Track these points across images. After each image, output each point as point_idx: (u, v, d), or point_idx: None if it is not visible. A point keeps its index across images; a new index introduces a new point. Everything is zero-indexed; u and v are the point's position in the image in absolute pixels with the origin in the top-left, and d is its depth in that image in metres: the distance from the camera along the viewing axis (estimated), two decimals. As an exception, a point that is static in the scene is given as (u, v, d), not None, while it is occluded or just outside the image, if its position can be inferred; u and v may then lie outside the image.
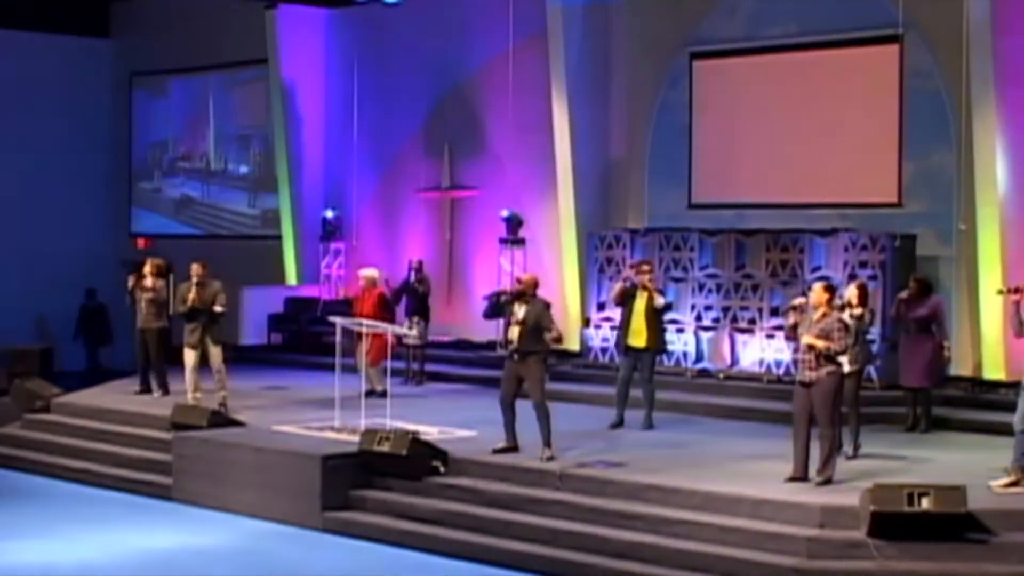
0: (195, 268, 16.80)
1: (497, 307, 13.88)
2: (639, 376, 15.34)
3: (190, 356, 16.69)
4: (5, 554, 12.61)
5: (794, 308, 12.51)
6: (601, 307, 19.04)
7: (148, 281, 17.77)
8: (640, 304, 15.24)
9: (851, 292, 13.89)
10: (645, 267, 15.78)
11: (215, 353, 16.71)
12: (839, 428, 12.50)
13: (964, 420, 15.57)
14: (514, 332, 13.56)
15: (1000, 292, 13.21)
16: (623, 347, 15.53)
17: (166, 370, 18.04)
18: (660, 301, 15.33)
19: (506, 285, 15.08)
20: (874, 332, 15.45)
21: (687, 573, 11.28)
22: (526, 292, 13.70)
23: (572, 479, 12.81)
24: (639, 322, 15.25)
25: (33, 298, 26.47)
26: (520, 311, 13.57)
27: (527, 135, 21.27)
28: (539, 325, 13.49)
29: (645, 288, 15.32)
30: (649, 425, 15.32)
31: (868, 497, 11.08)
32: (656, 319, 15.32)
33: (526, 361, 13.50)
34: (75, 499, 15.27)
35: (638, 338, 15.27)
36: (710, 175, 19.97)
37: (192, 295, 16.62)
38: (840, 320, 12.38)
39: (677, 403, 16.92)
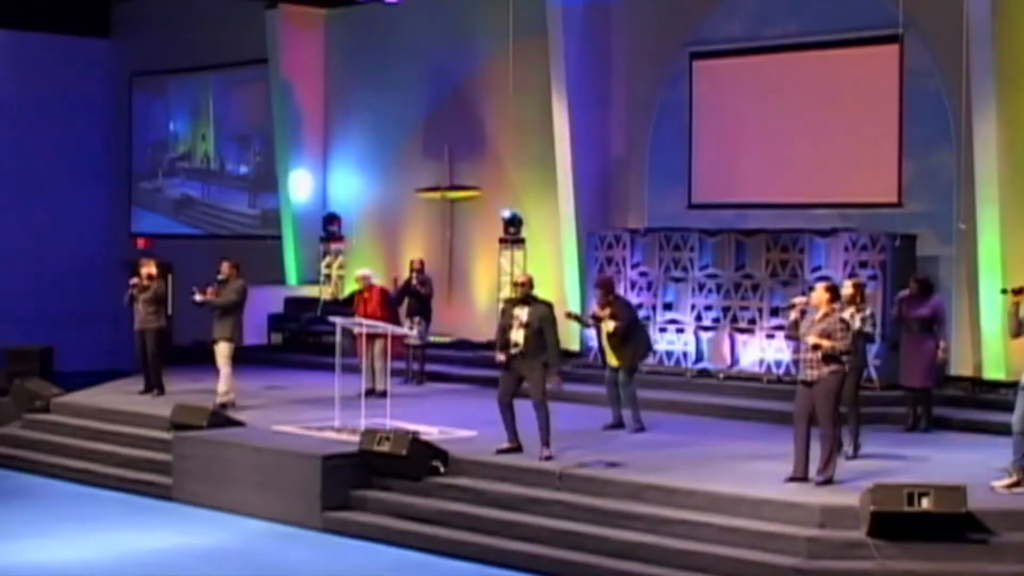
0: (224, 267, 16.99)
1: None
2: (620, 380, 15.28)
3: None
4: (5, 554, 12.60)
5: (794, 306, 12.53)
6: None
7: (145, 281, 17.79)
8: (607, 330, 15.14)
9: (847, 289, 13.87)
10: (598, 292, 15.51)
11: (218, 351, 16.75)
12: (839, 428, 12.50)
13: (964, 420, 15.57)
14: (519, 335, 13.47)
15: (1004, 292, 13.19)
16: (604, 362, 15.58)
17: (162, 370, 18.04)
18: (610, 326, 15.03)
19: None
20: (874, 333, 15.45)
21: (687, 573, 11.28)
22: (529, 294, 13.68)
23: (572, 479, 12.80)
24: (606, 344, 15.20)
25: (33, 298, 26.48)
26: (523, 313, 13.53)
27: (527, 135, 21.27)
28: (543, 329, 13.47)
29: (602, 310, 15.19)
30: (638, 428, 15.19)
31: (868, 497, 11.08)
32: (626, 338, 15.07)
33: (530, 362, 13.49)
34: (75, 499, 15.26)
35: (611, 358, 15.26)
36: (710, 175, 19.98)
37: (210, 292, 16.78)
38: (842, 320, 12.40)
39: (677, 403, 16.93)
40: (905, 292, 15.33)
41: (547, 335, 13.48)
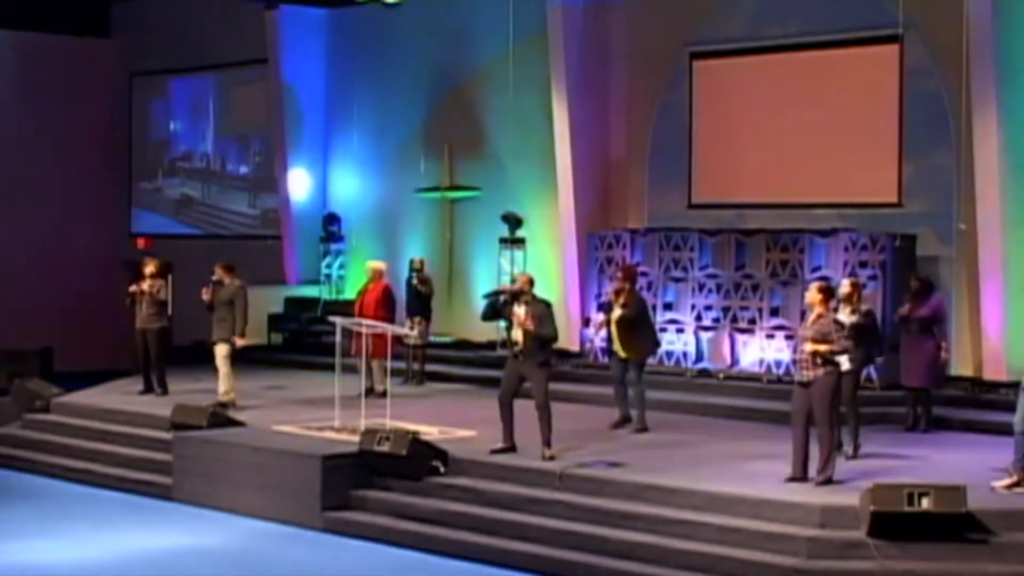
0: (217, 269, 17.01)
1: (495, 309, 13.84)
2: (629, 378, 15.28)
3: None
4: (5, 554, 12.60)
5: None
6: (601, 308, 19.02)
7: (148, 282, 17.81)
8: (613, 317, 15.10)
9: (844, 289, 13.85)
10: (619, 275, 15.50)
11: (217, 352, 16.78)
12: (838, 428, 12.50)
13: (964, 420, 15.57)
14: (518, 334, 13.54)
15: None
16: (611, 353, 15.53)
17: (165, 370, 18.08)
18: (617, 313, 15.02)
19: (504, 285, 14.95)
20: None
21: (687, 573, 11.28)
22: (524, 291, 13.69)
23: (572, 479, 12.81)
24: (616, 333, 15.15)
25: (33, 298, 26.48)
26: (520, 311, 13.56)
27: (527, 135, 21.27)
28: (540, 325, 13.48)
29: (616, 297, 15.18)
30: (642, 427, 15.18)
31: (868, 497, 11.08)
32: (633, 328, 15.04)
33: (531, 362, 13.49)
34: (75, 499, 15.27)
35: (620, 349, 15.21)
36: (710, 175, 19.97)
37: (206, 294, 16.81)
38: (836, 321, 12.38)
39: (677, 403, 16.92)
40: (907, 305, 15.27)
41: (544, 324, 13.47)
